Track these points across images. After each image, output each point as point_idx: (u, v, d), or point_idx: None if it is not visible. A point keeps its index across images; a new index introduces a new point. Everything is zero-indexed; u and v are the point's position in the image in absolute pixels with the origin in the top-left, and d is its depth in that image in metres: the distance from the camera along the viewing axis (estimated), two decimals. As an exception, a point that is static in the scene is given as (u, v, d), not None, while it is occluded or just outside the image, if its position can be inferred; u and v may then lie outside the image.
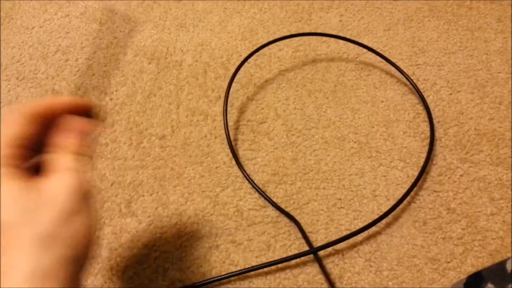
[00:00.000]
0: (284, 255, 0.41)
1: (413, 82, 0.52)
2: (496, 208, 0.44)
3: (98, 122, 0.30)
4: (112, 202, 0.44)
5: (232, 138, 0.49)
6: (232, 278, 0.40)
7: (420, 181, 0.45)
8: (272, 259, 0.40)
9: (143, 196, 0.45)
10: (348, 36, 0.58)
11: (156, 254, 0.41)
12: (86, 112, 0.29)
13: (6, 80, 0.54)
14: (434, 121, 0.50)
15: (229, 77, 0.54)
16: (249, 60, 0.56)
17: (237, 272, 0.39)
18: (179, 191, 0.45)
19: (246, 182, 0.46)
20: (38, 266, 0.22)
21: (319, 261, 0.39)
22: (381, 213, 0.43)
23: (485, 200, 0.44)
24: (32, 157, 0.26)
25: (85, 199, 0.25)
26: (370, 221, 0.42)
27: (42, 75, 0.54)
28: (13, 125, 0.25)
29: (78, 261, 0.24)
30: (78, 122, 0.28)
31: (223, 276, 0.39)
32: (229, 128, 0.50)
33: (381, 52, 0.56)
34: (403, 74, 0.53)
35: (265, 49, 0.58)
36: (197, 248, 0.42)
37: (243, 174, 0.46)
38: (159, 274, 0.40)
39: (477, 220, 0.43)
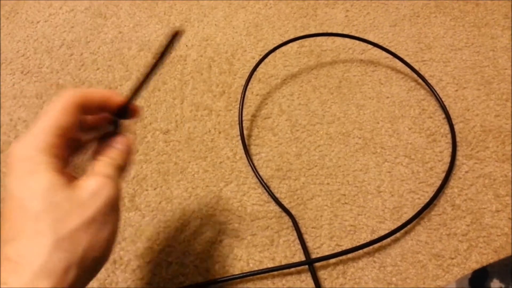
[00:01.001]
0: (287, 251, 0.41)
1: (427, 81, 0.52)
2: (501, 205, 0.43)
3: (133, 134, 0.30)
4: (116, 196, 0.44)
5: (235, 134, 0.49)
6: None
7: (426, 178, 0.45)
8: (275, 254, 0.40)
9: (147, 190, 0.45)
10: (353, 32, 0.58)
11: (159, 248, 0.41)
12: (122, 109, 0.28)
13: (11, 74, 0.54)
14: (440, 117, 0.50)
15: (234, 72, 0.54)
16: (253, 55, 0.56)
17: (226, 278, 0.39)
18: (183, 186, 0.45)
19: (250, 177, 0.46)
20: (47, 265, 0.21)
21: (312, 273, 0.39)
22: (385, 209, 0.43)
23: (490, 196, 0.44)
24: (69, 151, 0.26)
25: (114, 211, 0.25)
26: (375, 217, 0.42)
27: (46, 69, 0.55)
28: (56, 114, 0.24)
29: (89, 270, 0.24)
30: (123, 138, 0.28)
31: (210, 281, 0.38)
32: (232, 123, 0.50)
33: (387, 47, 0.56)
34: (415, 73, 0.53)
35: (270, 44, 0.57)
36: (201, 243, 0.42)
37: (252, 168, 0.46)
38: (162, 268, 0.40)
39: (482, 217, 0.43)
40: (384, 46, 0.56)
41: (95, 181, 0.24)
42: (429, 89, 0.51)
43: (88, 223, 0.23)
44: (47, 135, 0.24)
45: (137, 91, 0.28)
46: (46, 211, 0.22)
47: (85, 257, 0.23)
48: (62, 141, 0.24)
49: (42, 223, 0.22)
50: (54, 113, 0.24)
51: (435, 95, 0.51)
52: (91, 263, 0.23)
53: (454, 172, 0.46)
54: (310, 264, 0.39)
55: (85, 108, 0.26)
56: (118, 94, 0.28)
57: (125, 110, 0.28)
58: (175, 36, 0.25)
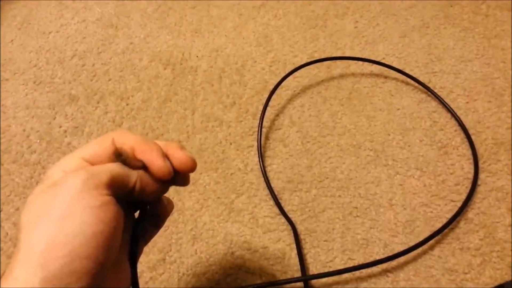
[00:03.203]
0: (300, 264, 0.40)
1: (437, 94, 0.52)
2: (515, 219, 0.43)
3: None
4: (128, 207, 0.44)
5: (246, 145, 0.49)
6: None
7: (438, 191, 0.45)
8: (287, 267, 0.40)
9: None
10: (363, 43, 0.58)
11: (171, 260, 0.41)
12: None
13: (23, 84, 0.55)
14: (451, 130, 0.50)
15: (244, 83, 0.54)
16: (263, 66, 0.57)
17: None
18: (195, 197, 0.45)
19: (261, 189, 0.46)
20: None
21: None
22: (397, 223, 0.43)
23: (503, 210, 0.44)
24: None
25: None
26: (387, 230, 0.42)
27: (59, 79, 0.55)
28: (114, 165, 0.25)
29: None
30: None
31: None
32: (243, 134, 0.50)
33: (397, 58, 0.56)
34: (424, 87, 0.53)
35: (280, 55, 0.58)
36: (212, 255, 0.42)
37: (265, 180, 0.46)
38: (174, 280, 0.40)
39: (495, 231, 0.42)
40: (394, 57, 0.56)
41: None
42: (439, 101, 0.51)
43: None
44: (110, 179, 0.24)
45: None
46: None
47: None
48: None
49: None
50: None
51: (447, 108, 0.51)
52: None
53: (465, 185, 0.45)
54: (306, 281, 0.39)
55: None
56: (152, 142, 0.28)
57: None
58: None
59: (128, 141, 0.25)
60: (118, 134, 0.26)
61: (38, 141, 0.49)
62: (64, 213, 0.22)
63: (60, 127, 0.50)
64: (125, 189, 0.25)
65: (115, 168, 0.24)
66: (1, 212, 0.44)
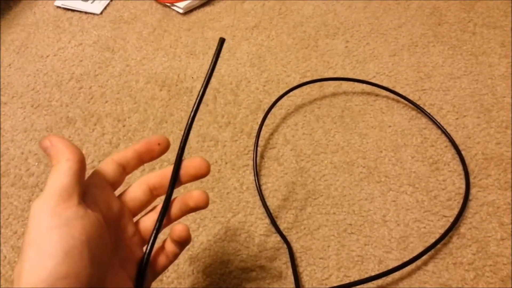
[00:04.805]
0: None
1: (427, 112, 0.53)
2: (506, 233, 0.44)
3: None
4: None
5: (242, 164, 0.50)
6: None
7: (430, 207, 0.46)
8: (284, 286, 0.41)
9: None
10: (354, 62, 0.60)
11: (169, 280, 0.42)
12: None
13: (21, 107, 0.55)
14: (442, 146, 0.51)
15: (238, 103, 0.56)
16: (257, 86, 0.58)
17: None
18: (191, 217, 0.46)
19: (257, 207, 0.46)
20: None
21: None
22: (391, 239, 0.44)
23: (494, 225, 0.45)
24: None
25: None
26: (381, 247, 0.42)
27: (56, 102, 0.56)
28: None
29: None
30: None
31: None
32: (238, 153, 0.51)
33: (387, 77, 0.58)
34: (414, 105, 0.54)
35: (274, 75, 0.59)
36: (209, 275, 0.42)
37: (260, 198, 0.46)
38: (172, 301, 0.40)
39: (488, 245, 0.43)
40: (384, 75, 0.58)
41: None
42: (429, 118, 0.53)
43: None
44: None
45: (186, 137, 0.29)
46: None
47: None
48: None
49: None
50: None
51: (437, 124, 0.52)
52: None
53: (457, 200, 0.46)
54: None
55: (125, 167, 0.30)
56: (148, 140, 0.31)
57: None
58: (221, 44, 0.28)
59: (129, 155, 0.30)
60: (116, 155, 0.30)
61: (36, 163, 0.50)
62: (34, 239, 0.22)
63: (58, 149, 0.51)
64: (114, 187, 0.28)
65: (104, 168, 0.27)
66: (0, 236, 0.45)
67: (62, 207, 0.23)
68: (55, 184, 0.24)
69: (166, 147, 0.31)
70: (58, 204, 0.23)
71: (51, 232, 0.22)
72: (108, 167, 0.29)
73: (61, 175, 0.24)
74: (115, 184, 0.29)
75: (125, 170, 0.30)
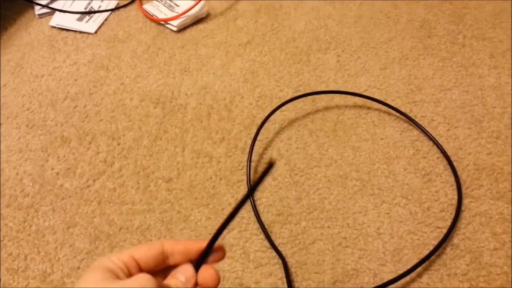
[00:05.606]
0: (292, 297, 0.41)
1: (419, 124, 0.54)
2: (499, 243, 0.44)
3: None
4: (120, 247, 0.45)
5: (236, 180, 0.50)
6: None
7: (423, 218, 0.46)
8: (279, 301, 0.41)
9: (151, 240, 0.45)
10: (345, 76, 0.61)
11: (165, 299, 0.42)
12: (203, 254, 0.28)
13: (16, 128, 0.56)
14: (434, 157, 0.51)
15: (232, 119, 0.56)
16: (251, 101, 0.58)
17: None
18: (186, 234, 0.46)
19: (252, 223, 0.47)
20: None
21: None
22: (386, 251, 0.44)
23: (487, 235, 0.45)
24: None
25: None
26: (376, 260, 0.42)
27: (51, 122, 0.56)
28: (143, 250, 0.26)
29: None
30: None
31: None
32: (233, 169, 0.51)
33: (378, 90, 0.58)
34: (406, 117, 0.55)
35: (267, 90, 0.60)
36: (205, 292, 0.42)
37: (255, 214, 0.47)
38: (168, 319, 0.40)
39: (481, 256, 0.43)
40: (375, 89, 0.58)
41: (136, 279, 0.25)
42: (421, 130, 0.53)
43: None
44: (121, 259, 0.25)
45: (220, 231, 0.26)
46: None
47: None
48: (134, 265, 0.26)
49: None
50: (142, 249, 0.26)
51: (429, 136, 0.53)
52: None
53: (450, 211, 0.47)
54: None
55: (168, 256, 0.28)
56: (202, 241, 0.29)
57: (206, 255, 0.28)
58: (270, 167, 0.25)
59: (177, 248, 0.27)
60: (168, 242, 0.27)
61: (31, 184, 0.50)
62: None
63: (53, 169, 0.51)
64: None
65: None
66: (-5, 257, 0.45)
67: None
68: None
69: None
70: None
71: None
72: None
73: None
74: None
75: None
